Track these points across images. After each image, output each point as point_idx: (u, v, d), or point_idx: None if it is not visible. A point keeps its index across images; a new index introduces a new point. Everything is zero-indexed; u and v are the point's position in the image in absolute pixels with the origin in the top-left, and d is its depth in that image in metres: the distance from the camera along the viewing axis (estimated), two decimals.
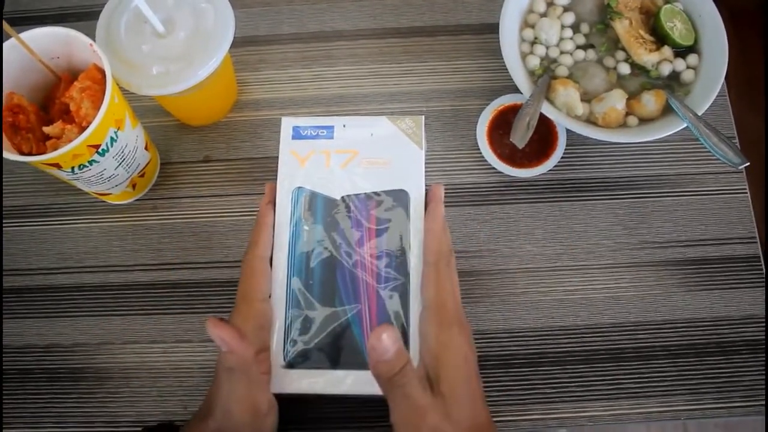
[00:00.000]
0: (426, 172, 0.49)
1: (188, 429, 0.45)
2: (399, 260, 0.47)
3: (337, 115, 0.63)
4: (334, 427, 0.53)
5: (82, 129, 0.49)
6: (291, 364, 0.46)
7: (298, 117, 0.51)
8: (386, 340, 0.39)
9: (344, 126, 0.50)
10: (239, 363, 0.43)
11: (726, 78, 0.61)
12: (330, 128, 0.50)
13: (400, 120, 0.50)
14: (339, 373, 0.46)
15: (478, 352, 0.55)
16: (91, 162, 0.51)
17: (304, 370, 0.46)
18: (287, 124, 0.51)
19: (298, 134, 0.50)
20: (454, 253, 0.48)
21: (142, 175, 0.59)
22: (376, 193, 0.49)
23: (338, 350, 0.46)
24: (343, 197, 0.49)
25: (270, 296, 0.48)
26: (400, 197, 0.49)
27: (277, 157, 0.50)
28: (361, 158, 0.49)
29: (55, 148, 0.48)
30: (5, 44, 0.50)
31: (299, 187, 0.49)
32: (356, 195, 0.49)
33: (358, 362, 0.46)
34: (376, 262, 0.47)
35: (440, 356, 0.43)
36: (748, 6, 1.09)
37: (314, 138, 0.50)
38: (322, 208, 0.48)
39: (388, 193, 0.49)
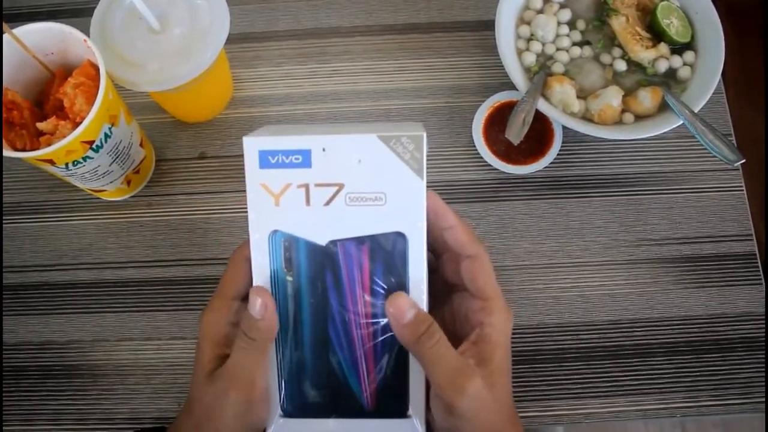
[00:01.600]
0: None
1: (176, 422, 0.45)
2: None
3: (326, 118, 0.61)
4: None
5: (76, 125, 0.48)
6: (289, 413, 0.42)
7: (264, 138, 0.38)
8: (402, 304, 0.38)
9: (324, 150, 0.38)
10: (267, 333, 0.40)
11: (723, 76, 0.61)
12: (306, 153, 0.38)
13: (395, 141, 0.38)
14: (335, 423, 0.41)
15: None
16: (85, 158, 0.50)
17: (304, 420, 0.42)
18: (251, 147, 0.39)
19: (266, 162, 0.39)
20: None
21: (137, 172, 0.59)
22: (369, 237, 0.40)
23: (334, 397, 0.42)
24: (329, 243, 0.39)
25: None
26: (395, 242, 0.40)
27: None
28: (347, 193, 0.39)
29: (49, 144, 0.48)
30: None
31: (275, 231, 0.39)
32: (344, 240, 0.39)
33: (356, 410, 0.41)
34: (371, 322, 0.40)
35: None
36: (745, 3, 1.09)
37: (288, 167, 0.39)
38: (305, 256, 0.40)
39: (381, 236, 0.40)
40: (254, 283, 0.40)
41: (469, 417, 0.38)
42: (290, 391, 0.41)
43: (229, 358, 0.41)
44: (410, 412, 0.40)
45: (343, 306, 0.40)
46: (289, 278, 0.40)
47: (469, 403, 0.38)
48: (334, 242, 0.39)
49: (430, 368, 0.39)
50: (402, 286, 0.39)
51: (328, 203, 0.39)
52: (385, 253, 0.40)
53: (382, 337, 0.40)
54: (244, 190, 0.59)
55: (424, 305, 0.39)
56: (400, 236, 0.39)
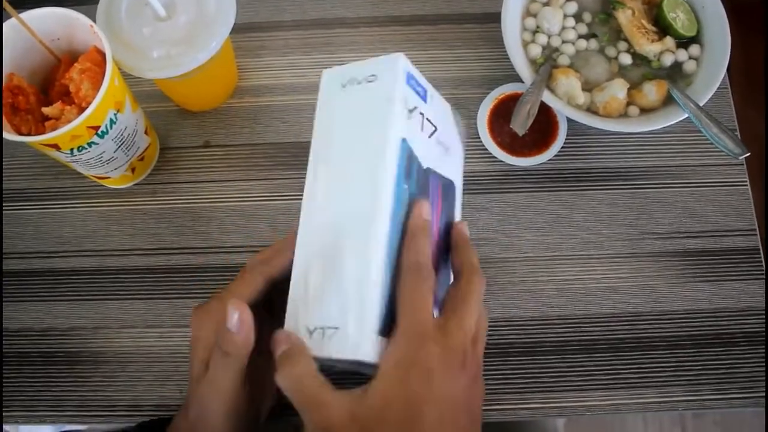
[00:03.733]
0: None
1: (174, 421, 0.45)
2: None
3: None
4: None
5: (82, 110, 0.48)
6: (383, 333, 0.39)
7: (408, 63, 0.42)
8: (280, 339, 0.39)
9: (431, 96, 0.45)
10: (243, 348, 0.40)
11: (728, 74, 0.61)
12: (425, 90, 0.44)
13: (455, 113, 0.49)
14: None
15: None
16: (90, 144, 0.50)
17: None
18: (401, 65, 0.41)
19: (409, 81, 0.42)
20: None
21: (142, 159, 0.59)
22: (442, 177, 0.46)
23: None
24: (427, 168, 0.43)
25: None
26: (450, 187, 0.47)
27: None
28: (437, 136, 0.45)
29: (54, 129, 0.48)
30: (5, 24, 0.49)
31: (404, 140, 0.41)
32: (434, 171, 0.44)
33: None
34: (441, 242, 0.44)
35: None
36: (749, 2, 1.09)
37: (417, 94, 0.43)
38: (415, 172, 0.42)
39: (445, 180, 0.46)
40: (370, 188, 0.40)
41: None
42: (387, 310, 0.39)
43: (209, 369, 0.41)
44: None
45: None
46: (405, 186, 0.41)
47: None
48: (428, 169, 0.44)
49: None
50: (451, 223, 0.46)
51: (429, 136, 0.44)
52: (445, 199, 0.46)
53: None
54: (248, 179, 0.60)
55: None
56: (453, 190, 0.47)
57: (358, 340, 0.37)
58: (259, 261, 0.44)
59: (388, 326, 0.39)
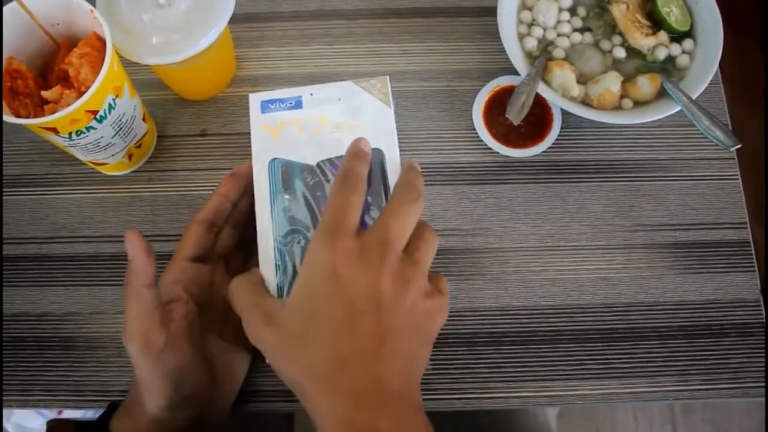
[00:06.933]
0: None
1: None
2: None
3: None
4: None
5: (81, 94, 0.49)
6: None
7: (265, 92, 0.50)
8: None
9: (311, 95, 0.49)
10: (136, 278, 0.41)
11: (722, 74, 0.62)
12: (298, 98, 0.49)
13: (365, 82, 0.50)
14: None
15: (470, 329, 0.56)
16: (88, 128, 0.51)
17: None
18: (255, 99, 0.50)
19: (266, 108, 0.49)
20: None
21: (139, 146, 0.59)
22: None
23: None
24: (318, 163, 0.47)
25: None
26: (374, 157, 0.48)
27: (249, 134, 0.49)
28: (331, 123, 0.49)
29: (53, 112, 0.48)
30: (6, 8, 0.50)
31: (274, 159, 0.48)
32: (331, 159, 0.48)
33: None
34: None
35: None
36: (743, 6, 1.10)
37: (283, 110, 0.49)
38: (299, 177, 0.47)
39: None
40: (256, 205, 0.46)
41: None
42: None
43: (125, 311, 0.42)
44: None
45: None
46: (287, 196, 0.46)
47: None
48: (325, 163, 0.47)
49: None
50: (384, 198, 0.46)
51: (317, 132, 0.48)
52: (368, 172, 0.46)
53: None
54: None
55: None
56: (380, 157, 0.47)
57: None
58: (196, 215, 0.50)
59: None
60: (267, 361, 0.42)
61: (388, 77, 0.50)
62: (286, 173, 0.47)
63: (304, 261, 0.42)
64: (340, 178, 0.43)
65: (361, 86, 0.50)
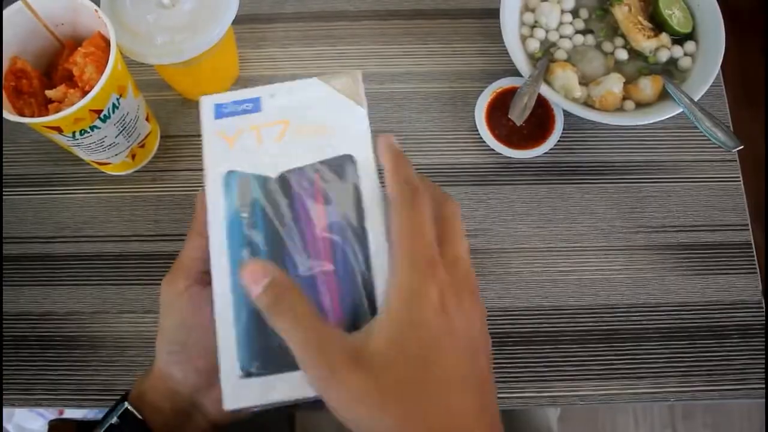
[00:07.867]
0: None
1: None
2: (355, 232, 0.40)
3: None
4: None
5: (85, 94, 0.49)
6: (249, 373, 0.38)
7: (218, 94, 0.43)
8: (256, 270, 0.36)
9: (272, 96, 0.43)
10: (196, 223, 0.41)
11: (724, 77, 0.62)
12: (256, 101, 0.43)
13: (333, 79, 0.43)
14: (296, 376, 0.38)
15: None
16: (92, 128, 0.51)
17: (266, 377, 0.38)
18: (207, 103, 0.43)
19: (221, 113, 0.42)
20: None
21: (142, 146, 0.59)
22: (319, 163, 0.41)
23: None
24: (281, 175, 0.41)
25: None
26: (344, 164, 0.41)
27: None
28: (294, 128, 0.42)
29: (57, 112, 0.48)
30: (11, 7, 0.50)
31: (230, 171, 0.41)
32: (295, 170, 0.41)
33: None
34: (328, 236, 0.40)
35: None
36: (745, 7, 1.10)
37: (240, 114, 0.42)
38: (259, 192, 0.41)
39: (331, 161, 0.41)
40: (208, 228, 0.40)
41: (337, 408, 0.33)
42: (249, 345, 0.38)
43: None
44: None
45: (302, 237, 0.39)
46: (244, 215, 0.40)
47: (337, 394, 0.32)
48: (288, 175, 0.41)
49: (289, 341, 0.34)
50: (361, 213, 0.40)
51: (278, 139, 0.42)
52: (337, 182, 0.41)
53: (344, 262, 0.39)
54: None
55: (381, 227, 0.39)
56: (351, 164, 0.40)
57: (224, 388, 0.37)
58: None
59: (268, 360, 0.38)
60: (329, 406, 0.34)
61: (360, 72, 0.43)
62: (244, 188, 0.41)
63: (395, 293, 0.34)
64: (407, 192, 0.36)
65: (328, 83, 0.43)
